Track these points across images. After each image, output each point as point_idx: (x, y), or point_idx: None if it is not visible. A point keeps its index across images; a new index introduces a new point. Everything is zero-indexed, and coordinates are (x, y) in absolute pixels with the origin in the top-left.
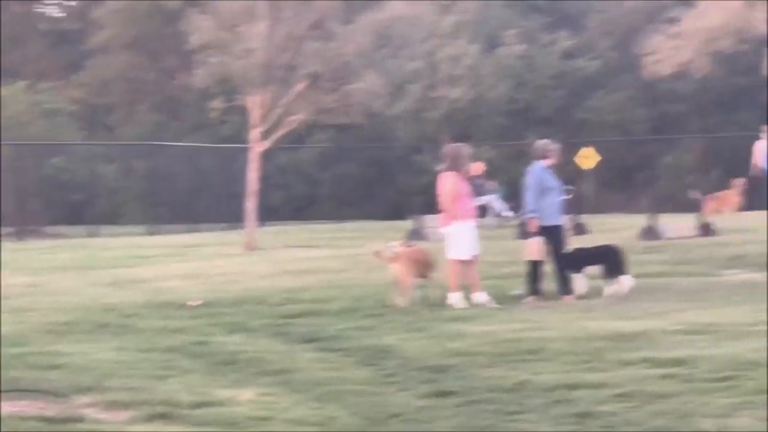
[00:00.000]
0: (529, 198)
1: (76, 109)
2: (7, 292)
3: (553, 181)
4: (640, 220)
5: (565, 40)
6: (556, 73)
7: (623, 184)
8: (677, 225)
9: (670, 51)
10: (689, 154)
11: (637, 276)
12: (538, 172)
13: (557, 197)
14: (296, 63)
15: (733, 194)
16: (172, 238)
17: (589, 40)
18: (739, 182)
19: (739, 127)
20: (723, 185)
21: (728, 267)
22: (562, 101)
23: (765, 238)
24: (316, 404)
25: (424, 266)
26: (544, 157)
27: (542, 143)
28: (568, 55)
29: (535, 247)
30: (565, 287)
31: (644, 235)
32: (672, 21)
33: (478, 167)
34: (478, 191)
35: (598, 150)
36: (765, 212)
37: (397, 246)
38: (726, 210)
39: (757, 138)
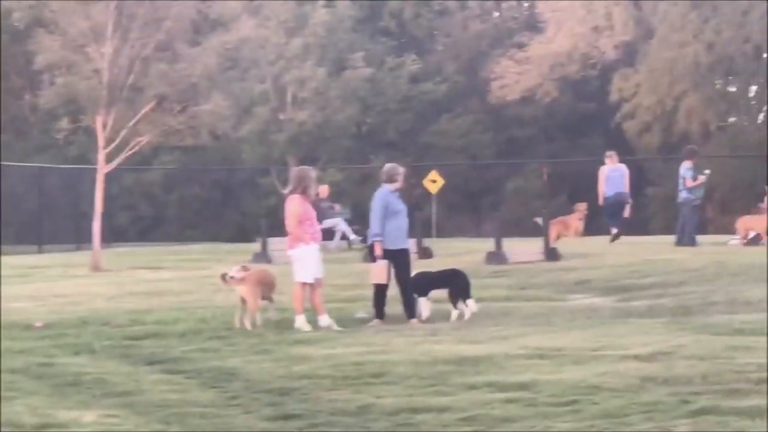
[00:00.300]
0: (374, 221)
1: None
2: None
3: (399, 205)
4: (486, 245)
5: (412, 64)
6: (403, 97)
7: (470, 207)
8: (523, 249)
9: (517, 76)
10: (535, 179)
11: (482, 300)
12: (384, 196)
13: (403, 221)
14: (143, 84)
15: (575, 219)
16: (17, 259)
17: (436, 64)
18: (582, 207)
19: (585, 152)
20: (569, 210)
21: (573, 291)
22: (409, 125)
23: (609, 263)
24: (160, 426)
25: (268, 288)
26: (390, 180)
27: (388, 167)
28: (415, 78)
29: (379, 271)
30: (410, 311)
31: (490, 259)
32: (519, 46)
33: (324, 190)
34: (325, 214)
35: (445, 174)
36: (609, 237)
37: (238, 269)
38: (569, 235)
39: (602, 163)
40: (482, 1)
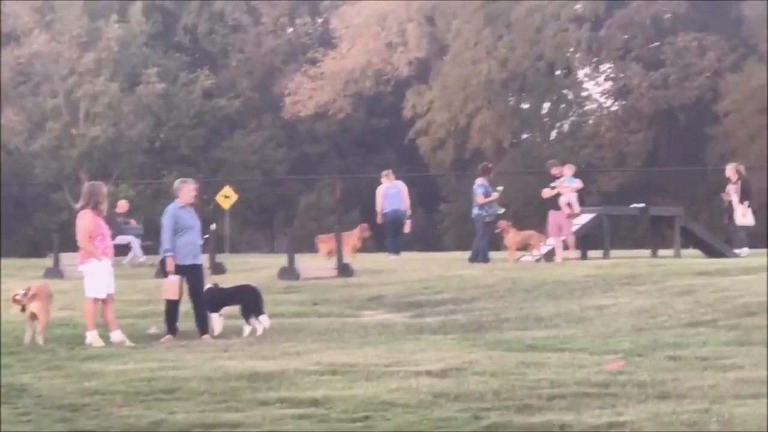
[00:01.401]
0: (164, 237)
1: None
2: None
3: (190, 220)
4: (279, 260)
5: (205, 79)
6: (196, 112)
7: (263, 223)
8: (316, 265)
9: (311, 92)
10: (328, 195)
11: (274, 316)
12: (174, 211)
13: (195, 236)
14: None
15: (353, 236)
16: None
17: (229, 80)
18: (364, 226)
19: (378, 168)
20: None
21: (366, 307)
22: (202, 140)
23: (402, 279)
24: None
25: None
26: (180, 196)
27: (178, 182)
28: (208, 94)
29: (170, 286)
30: (203, 326)
31: (282, 274)
32: (313, 62)
33: (122, 205)
34: (120, 230)
35: (238, 190)
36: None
37: (27, 288)
38: (347, 251)
39: (380, 182)
40: (276, 17)
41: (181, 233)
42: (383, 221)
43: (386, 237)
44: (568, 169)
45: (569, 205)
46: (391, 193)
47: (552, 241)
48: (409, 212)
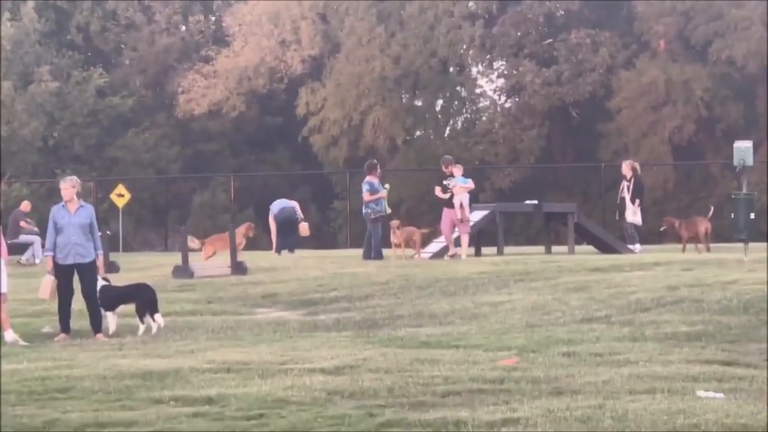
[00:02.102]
0: (48, 236)
1: None
2: None
3: (66, 218)
4: (173, 259)
5: (99, 78)
6: (89, 111)
7: (157, 222)
8: (210, 263)
9: (204, 90)
10: (222, 192)
11: (169, 314)
12: (54, 211)
13: (72, 236)
14: None
15: (238, 234)
16: None
17: (123, 78)
18: (250, 224)
19: (272, 166)
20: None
21: (260, 305)
22: (96, 139)
23: (296, 277)
24: None
25: None
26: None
27: (68, 181)
28: (101, 92)
29: (43, 287)
30: (96, 325)
31: (176, 273)
32: (206, 60)
33: (26, 205)
34: (18, 229)
35: (132, 188)
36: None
37: None
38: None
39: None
40: (169, 16)
41: (60, 233)
42: (274, 221)
43: (278, 236)
44: (458, 170)
45: (461, 206)
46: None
47: (444, 239)
48: (299, 211)
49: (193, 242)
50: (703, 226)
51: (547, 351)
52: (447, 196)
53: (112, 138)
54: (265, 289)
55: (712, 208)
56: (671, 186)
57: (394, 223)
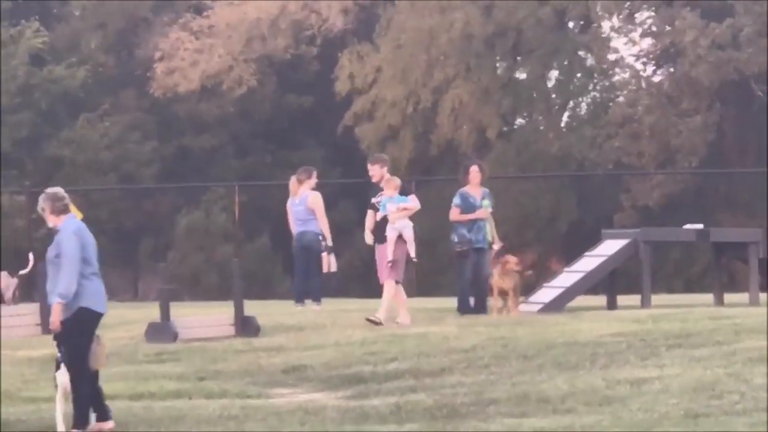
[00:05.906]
0: None
1: None
2: None
3: None
4: (147, 312)
5: (33, 37)
6: (19, 87)
7: (123, 256)
8: (202, 319)
9: (194, 55)
10: (220, 212)
11: (140, 397)
12: None
13: None
14: None
15: None
16: None
17: (70, 37)
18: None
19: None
20: None
21: (280, 383)
22: (28, 129)
23: (334, 340)
24: None
25: None
26: None
27: None
28: (37, 59)
29: None
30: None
31: (152, 334)
32: (198, 11)
33: None
34: None
35: (85, 204)
36: None
37: None
38: None
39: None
40: None
41: None
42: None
43: (296, 275)
44: (392, 182)
45: (401, 240)
46: (297, 210)
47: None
48: (328, 237)
49: None
50: None
51: None
52: (377, 219)
53: (54, 128)
54: (288, 358)
55: None
56: None
57: (494, 252)
